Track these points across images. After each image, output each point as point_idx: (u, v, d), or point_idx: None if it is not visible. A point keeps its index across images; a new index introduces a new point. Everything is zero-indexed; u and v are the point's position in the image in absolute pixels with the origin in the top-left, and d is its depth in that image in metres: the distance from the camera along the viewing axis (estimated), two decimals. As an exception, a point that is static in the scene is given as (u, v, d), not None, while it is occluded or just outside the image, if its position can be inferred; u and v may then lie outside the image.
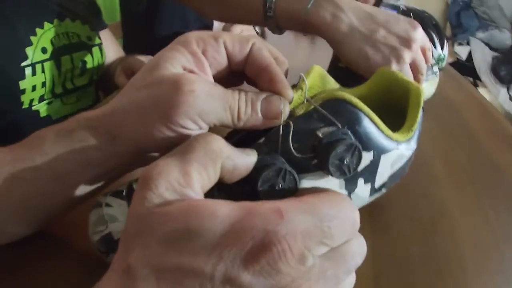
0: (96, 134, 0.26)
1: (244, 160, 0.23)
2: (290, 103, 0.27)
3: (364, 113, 0.27)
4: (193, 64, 0.25)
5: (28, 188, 0.27)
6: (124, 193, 0.28)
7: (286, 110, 0.25)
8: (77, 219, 0.29)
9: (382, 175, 0.30)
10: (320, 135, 0.25)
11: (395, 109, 0.33)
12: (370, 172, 0.29)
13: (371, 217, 0.36)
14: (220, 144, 0.21)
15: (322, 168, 0.26)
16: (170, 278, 0.16)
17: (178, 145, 0.23)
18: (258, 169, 0.23)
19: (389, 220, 0.37)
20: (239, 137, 0.28)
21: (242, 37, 0.27)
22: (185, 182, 0.19)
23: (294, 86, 0.28)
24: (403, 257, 0.33)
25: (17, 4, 0.60)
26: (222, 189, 0.22)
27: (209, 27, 1.24)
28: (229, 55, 0.27)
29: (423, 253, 0.33)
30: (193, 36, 0.26)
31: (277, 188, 0.24)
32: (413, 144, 0.31)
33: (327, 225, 0.18)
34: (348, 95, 0.27)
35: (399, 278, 0.31)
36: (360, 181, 0.28)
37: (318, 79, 0.30)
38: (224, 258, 0.16)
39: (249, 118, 0.25)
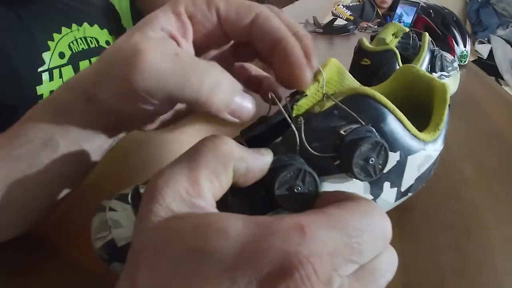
0: (74, 95, 0.25)
1: (258, 161, 0.20)
2: (302, 93, 0.24)
3: (389, 110, 0.25)
4: (174, 26, 0.23)
5: (26, 165, 0.27)
6: (129, 196, 0.26)
7: (253, 110, 0.23)
8: (82, 222, 0.28)
9: (409, 178, 0.27)
10: (343, 132, 0.23)
11: (418, 108, 0.31)
12: (396, 175, 0.26)
13: (400, 223, 0.34)
14: (230, 146, 0.19)
15: (346, 170, 0.23)
16: None
17: (150, 112, 0.23)
18: (274, 170, 0.21)
19: (420, 227, 0.34)
20: (253, 134, 0.26)
21: (243, 4, 0.24)
22: (194, 191, 0.17)
23: None
24: (433, 267, 0.30)
25: (33, 9, 0.60)
26: (236, 194, 0.21)
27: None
28: (224, 23, 0.24)
29: (455, 263, 0.30)
30: (163, 20, 0.23)
31: (295, 191, 0.22)
32: (439, 144, 0.29)
33: (357, 241, 0.15)
34: (371, 90, 0.24)
35: (429, 286, 0.28)
36: (386, 184, 0.26)
37: (336, 73, 0.28)
38: (237, 283, 0.14)
39: (215, 106, 0.22)
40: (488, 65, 2.52)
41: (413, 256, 0.31)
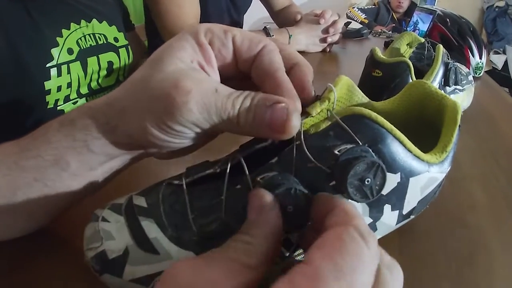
0: (96, 123, 0.25)
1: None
2: (307, 116, 0.24)
3: (387, 130, 0.23)
4: (200, 55, 0.24)
5: (32, 178, 0.26)
6: (123, 207, 0.25)
7: (294, 122, 0.22)
8: (80, 223, 0.27)
9: (411, 200, 0.26)
10: (337, 152, 0.22)
11: (428, 125, 0.29)
12: (397, 197, 0.25)
13: (401, 246, 0.33)
14: (240, 254, 0.18)
15: (341, 190, 0.22)
16: None
17: (174, 145, 0.23)
18: (267, 189, 0.21)
19: (421, 251, 0.33)
20: (251, 151, 0.25)
21: (255, 36, 0.25)
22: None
23: (318, 98, 0.25)
24: None
25: (42, 5, 0.59)
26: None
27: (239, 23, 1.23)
28: (236, 52, 0.25)
29: None
30: (202, 27, 0.24)
31: (288, 210, 0.21)
32: (446, 167, 0.27)
33: (360, 282, 0.15)
34: (367, 110, 0.23)
35: None
36: (387, 207, 0.25)
37: (345, 91, 0.27)
38: None
39: (251, 126, 0.22)
40: (502, 76, 2.47)
41: (412, 282, 0.29)
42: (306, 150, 0.23)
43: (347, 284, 0.14)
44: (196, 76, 0.23)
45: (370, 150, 0.23)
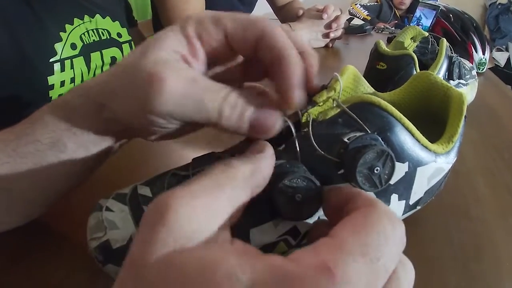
0: (86, 101, 0.26)
1: (268, 169, 0.20)
2: (314, 105, 0.23)
3: (396, 119, 0.23)
4: (185, 47, 0.23)
5: (32, 164, 0.27)
6: (127, 197, 0.25)
7: (278, 127, 0.22)
8: (83, 215, 0.27)
9: (418, 190, 0.26)
10: (346, 140, 0.22)
11: (433, 117, 0.29)
12: (404, 187, 0.25)
13: (406, 239, 0.32)
14: (241, 169, 0.18)
15: (350, 179, 0.22)
16: None
17: (159, 131, 0.23)
18: (276, 176, 0.20)
19: (427, 244, 0.32)
20: None
21: (250, 23, 0.23)
22: (211, 212, 0.15)
23: (324, 87, 0.25)
24: (437, 285, 0.28)
25: (44, 1, 0.59)
26: None
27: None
28: (231, 41, 0.24)
29: (461, 284, 0.28)
30: (193, 18, 0.24)
31: (297, 199, 0.21)
32: (452, 157, 0.27)
33: (382, 263, 0.14)
34: (377, 98, 0.23)
35: None
36: (394, 197, 0.25)
37: (351, 80, 0.27)
38: None
39: (232, 125, 0.21)
40: (505, 74, 2.46)
41: (417, 275, 0.29)
42: (313, 140, 0.22)
43: (371, 261, 0.14)
44: (175, 65, 0.22)
45: (379, 138, 0.22)
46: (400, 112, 0.24)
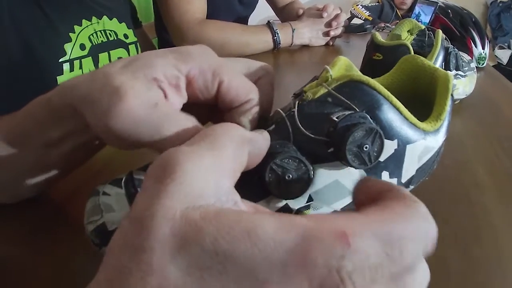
0: (65, 104, 0.25)
1: (265, 142, 0.19)
2: (303, 95, 0.24)
3: (384, 97, 0.23)
4: (168, 78, 0.22)
5: (19, 155, 0.28)
6: (123, 181, 0.25)
7: None
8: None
9: (409, 168, 0.26)
10: (335, 119, 0.22)
11: (422, 99, 0.29)
12: (395, 164, 0.25)
13: None
14: (241, 129, 0.17)
15: (339, 157, 0.22)
16: None
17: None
18: (266, 156, 0.20)
19: None
20: None
21: (244, 88, 0.23)
22: (220, 171, 0.14)
23: (316, 78, 0.25)
24: (439, 272, 0.28)
25: (55, 1, 0.60)
26: None
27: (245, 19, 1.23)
28: (219, 97, 0.23)
29: (463, 269, 0.28)
30: (196, 61, 0.23)
31: (287, 178, 0.21)
32: (441, 136, 0.27)
33: (400, 251, 0.13)
34: (365, 76, 0.23)
35: None
36: (385, 174, 0.25)
37: (343, 71, 0.27)
38: None
39: None
40: (507, 71, 2.42)
41: None
42: (298, 121, 0.23)
43: (391, 249, 0.13)
44: (141, 88, 0.21)
45: (368, 117, 0.22)
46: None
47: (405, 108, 0.24)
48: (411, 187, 0.27)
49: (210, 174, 0.14)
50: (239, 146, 0.16)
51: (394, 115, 0.23)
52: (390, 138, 0.23)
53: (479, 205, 0.35)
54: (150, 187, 0.13)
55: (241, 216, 0.12)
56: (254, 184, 0.21)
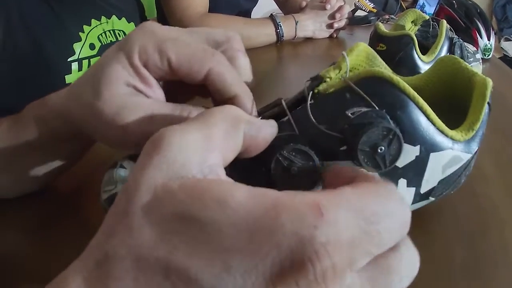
0: (55, 114, 0.28)
1: (267, 129, 0.18)
2: (321, 81, 0.22)
3: (409, 97, 0.21)
4: (135, 77, 0.23)
5: (19, 155, 0.30)
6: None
7: None
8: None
9: (431, 179, 0.23)
10: (350, 115, 0.20)
11: (457, 105, 0.26)
12: (415, 172, 0.22)
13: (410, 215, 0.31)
14: (238, 110, 0.18)
15: (351, 156, 0.20)
16: (153, 282, 0.11)
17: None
18: (272, 147, 0.19)
19: (431, 220, 0.30)
20: (269, 115, 0.24)
21: (195, 57, 0.22)
22: (207, 146, 0.15)
23: (332, 64, 0.24)
24: (444, 264, 0.27)
25: (63, 2, 0.60)
26: (235, 169, 0.18)
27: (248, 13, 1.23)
28: (176, 73, 0.23)
29: (467, 259, 0.27)
30: (135, 45, 0.22)
31: (292, 172, 0.19)
32: (473, 147, 0.24)
33: (376, 228, 0.12)
34: (388, 73, 0.21)
35: (437, 285, 0.25)
36: (402, 182, 0.22)
37: (364, 58, 0.25)
38: (232, 270, 0.11)
39: None
40: (513, 62, 2.39)
41: (422, 251, 0.28)
42: (310, 115, 0.21)
43: (364, 221, 0.12)
44: (131, 102, 0.23)
45: (387, 116, 0.20)
46: (422, 98, 0.21)
47: (432, 112, 0.21)
48: (431, 199, 0.25)
49: (195, 148, 0.14)
50: (232, 125, 0.16)
51: (419, 118, 0.21)
52: (412, 143, 0.21)
53: (485, 197, 0.34)
54: (140, 160, 0.14)
55: (215, 185, 0.13)
56: (260, 173, 0.20)
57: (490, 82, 0.24)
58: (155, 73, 0.23)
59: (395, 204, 0.13)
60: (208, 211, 0.12)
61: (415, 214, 0.30)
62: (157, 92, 0.24)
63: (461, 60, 0.26)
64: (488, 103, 0.24)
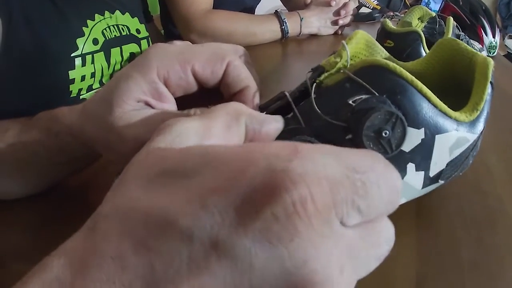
0: (67, 130, 0.29)
1: (271, 124, 0.18)
2: (323, 69, 0.23)
3: (408, 82, 0.21)
4: (149, 95, 0.24)
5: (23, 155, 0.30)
6: None
7: None
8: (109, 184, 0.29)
9: (439, 161, 0.23)
10: (352, 103, 0.20)
11: (459, 87, 0.27)
12: (422, 156, 0.22)
13: (417, 212, 0.30)
14: (239, 104, 0.18)
15: (357, 144, 0.20)
16: (132, 233, 0.11)
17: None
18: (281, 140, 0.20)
19: (439, 218, 0.30)
20: (271, 110, 0.24)
21: (216, 56, 0.24)
22: (205, 136, 0.16)
23: (334, 53, 0.24)
24: (452, 261, 0.26)
25: None
26: None
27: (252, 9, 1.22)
28: (200, 79, 0.24)
29: (475, 258, 0.27)
30: (156, 61, 0.23)
31: None
32: (478, 128, 0.24)
33: (360, 178, 0.11)
34: (384, 60, 0.21)
35: (445, 284, 0.25)
36: (410, 166, 0.23)
37: (364, 46, 0.25)
38: (208, 208, 0.10)
39: None
40: (517, 60, 2.36)
41: (430, 248, 0.27)
42: (315, 106, 0.21)
43: (346, 168, 0.11)
44: (143, 114, 0.23)
45: (388, 101, 0.20)
46: (424, 83, 0.22)
47: (433, 95, 0.22)
48: (441, 182, 0.25)
49: (193, 134, 0.15)
50: (233, 118, 0.17)
51: (419, 101, 0.21)
52: (416, 126, 0.21)
53: (491, 194, 0.34)
54: (148, 142, 0.16)
55: (201, 146, 0.14)
56: None
57: (491, 61, 0.24)
58: (177, 86, 0.24)
59: (381, 166, 0.12)
60: (189, 162, 0.13)
61: (421, 210, 0.31)
62: (172, 107, 0.25)
63: (460, 42, 0.26)
64: (490, 82, 0.24)
